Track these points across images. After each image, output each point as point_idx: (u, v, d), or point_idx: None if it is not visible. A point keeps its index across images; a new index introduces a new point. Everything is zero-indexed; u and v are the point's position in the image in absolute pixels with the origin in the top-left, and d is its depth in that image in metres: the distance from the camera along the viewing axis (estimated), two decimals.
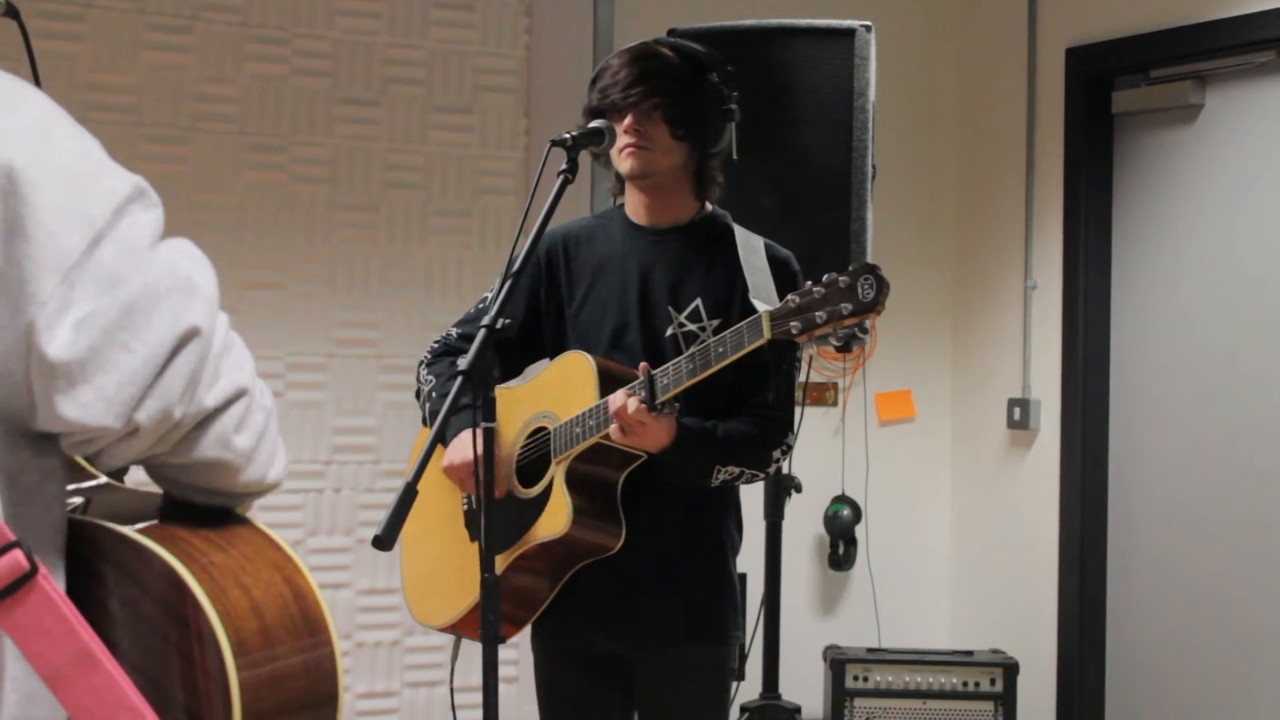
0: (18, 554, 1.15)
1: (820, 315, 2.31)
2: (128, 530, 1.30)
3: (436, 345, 2.82)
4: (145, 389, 1.22)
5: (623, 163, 2.65)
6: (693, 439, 2.55)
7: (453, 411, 2.18)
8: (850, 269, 2.31)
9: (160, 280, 1.24)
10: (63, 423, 1.20)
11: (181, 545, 1.29)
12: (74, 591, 1.28)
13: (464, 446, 2.61)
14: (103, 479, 1.45)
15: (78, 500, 1.41)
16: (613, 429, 2.49)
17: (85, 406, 1.19)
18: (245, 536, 1.35)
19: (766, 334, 2.36)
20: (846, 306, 2.29)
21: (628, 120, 2.60)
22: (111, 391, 1.20)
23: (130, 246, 1.22)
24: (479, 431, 2.24)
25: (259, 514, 4.26)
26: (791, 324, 2.33)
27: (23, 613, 1.15)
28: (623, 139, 2.61)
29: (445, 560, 2.76)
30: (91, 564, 1.31)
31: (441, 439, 2.18)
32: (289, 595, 1.31)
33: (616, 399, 2.47)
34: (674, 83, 2.63)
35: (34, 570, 1.15)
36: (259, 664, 1.26)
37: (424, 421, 2.80)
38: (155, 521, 1.34)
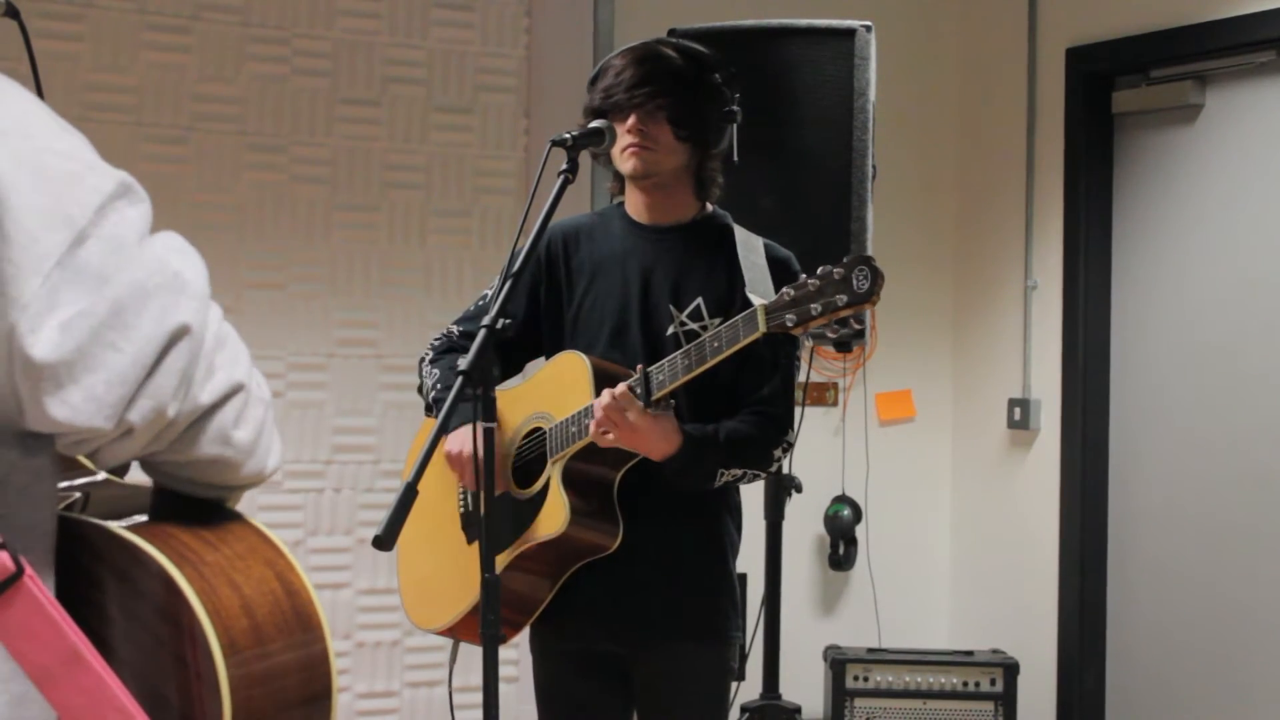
0: (3, 556, 1.14)
1: (815, 307, 2.30)
2: (119, 529, 1.29)
3: (438, 342, 2.81)
4: (136, 389, 1.20)
5: (625, 163, 2.64)
6: (697, 445, 2.54)
7: (455, 407, 2.17)
8: (845, 261, 2.30)
9: (149, 277, 1.21)
10: (53, 424, 1.18)
11: (173, 543, 1.28)
12: (67, 591, 1.27)
13: (465, 437, 2.60)
14: (101, 475, 1.44)
15: (76, 496, 1.40)
16: (593, 431, 2.48)
17: (75, 408, 1.18)
18: (238, 533, 1.34)
19: (762, 327, 2.36)
20: (841, 298, 2.29)
21: (631, 121, 2.59)
22: (101, 392, 1.18)
23: (117, 244, 1.20)
24: (479, 429, 2.23)
25: (260, 514, 4.26)
26: (787, 317, 2.33)
27: (10, 615, 1.14)
28: (626, 139, 2.60)
29: (442, 564, 2.75)
30: (84, 564, 1.30)
31: (445, 431, 2.17)
32: (281, 592, 1.30)
33: (603, 399, 2.47)
34: (678, 83, 2.62)
35: (20, 572, 1.14)
36: (250, 663, 1.24)
37: (426, 410, 2.79)
38: (148, 518, 1.33)
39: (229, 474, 1.32)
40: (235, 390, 1.28)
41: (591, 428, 2.48)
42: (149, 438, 1.24)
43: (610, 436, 2.48)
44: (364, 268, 4.12)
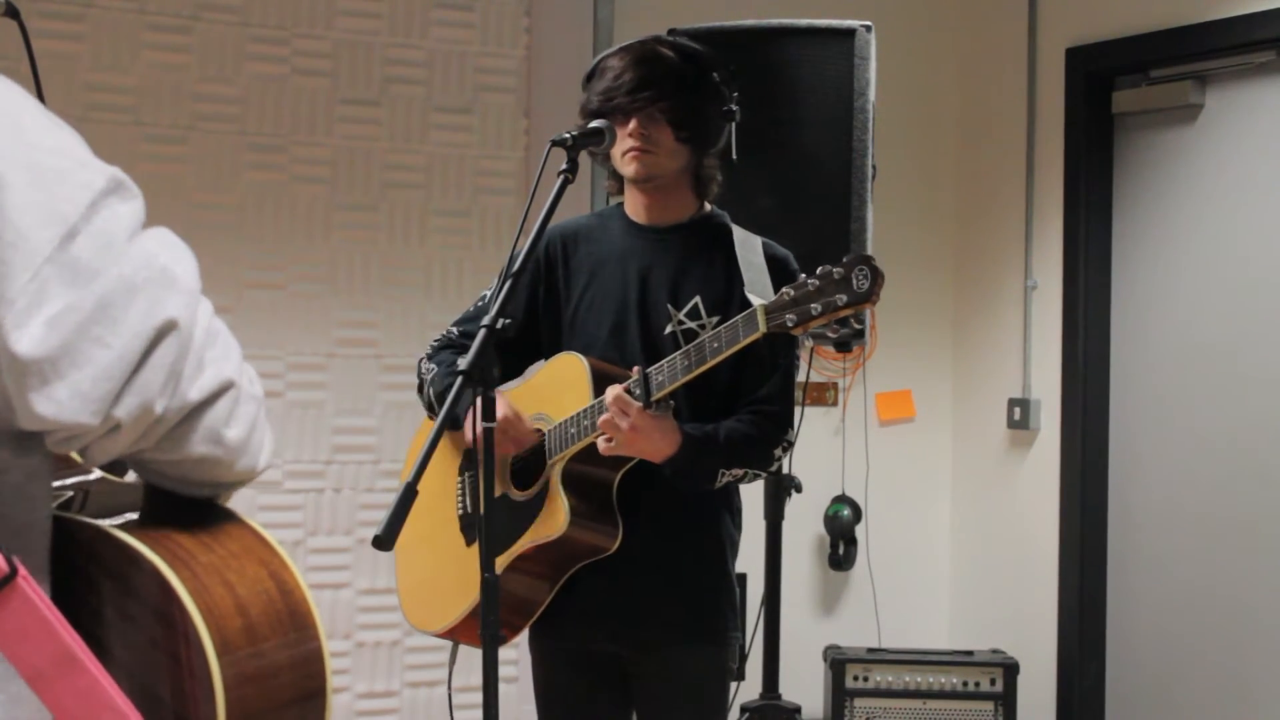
0: None
1: (815, 307, 2.30)
2: (113, 529, 1.29)
3: (437, 341, 2.81)
4: (123, 384, 1.19)
5: (626, 166, 2.64)
6: (697, 446, 2.54)
7: (454, 408, 2.17)
8: (845, 260, 2.30)
9: (136, 272, 1.21)
10: (39, 421, 1.18)
11: (167, 544, 1.28)
12: (62, 592, 1.27)
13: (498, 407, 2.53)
14: (96, 473, 1.44)
15: (71, 494, 1.40)
16: (601, 441, 2.48)
17: (60, 404, 1.17)
18: (232, 533, 1.33)
19: (762, 328, 2.35)
20: (841, 298, 2.28)
21: (632, 125, 2.59)
22: (87, 387, 1.18)
23: (107, 240, 1.20)
24: (479, 429, 2.22)
25: (259, 514, 4.23)
26: (787, 317, 2.32)
27: (3, 616, 1.13)
28: (627, 142, 2.60)
29: (441, 566, 2.75)
30: (79, 564, 1.29)
31: (446, 427, 2.14)
32: (275, 591, 1.30)
33: (608, 398, 2.47)
34: (678, 85, 2.61)
35: (14, 572, 1.14)
36: (243, 662, 1.25)
37: (423, 403, 2.77)
38: (139, 516, 1.33)
39: (220, 472, 1.31)
40: (225, 388, 1.27)
41: (601, 444, 2.48)
42: (137, 434, 1.23)
43: (612, 444, 2.48)
44: (364, 268, 4.12)
